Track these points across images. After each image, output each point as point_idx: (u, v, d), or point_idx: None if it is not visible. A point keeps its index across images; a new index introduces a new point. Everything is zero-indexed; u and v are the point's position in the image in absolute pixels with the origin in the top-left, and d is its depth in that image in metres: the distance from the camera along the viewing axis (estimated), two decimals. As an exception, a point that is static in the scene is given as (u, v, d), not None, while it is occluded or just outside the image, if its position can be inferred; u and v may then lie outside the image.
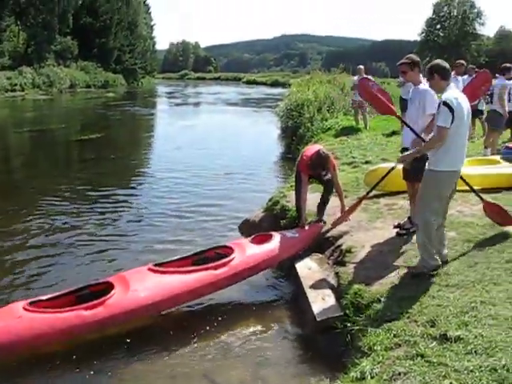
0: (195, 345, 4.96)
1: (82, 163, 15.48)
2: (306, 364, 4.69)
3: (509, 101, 9.93)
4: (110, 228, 8.54)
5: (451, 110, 4.64)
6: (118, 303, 4.85)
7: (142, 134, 23.20)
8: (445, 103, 4.66)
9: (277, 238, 6.25)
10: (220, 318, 5.47)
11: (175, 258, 5.89)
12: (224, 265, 5.61)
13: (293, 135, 15.72)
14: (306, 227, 6.62)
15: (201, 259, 5.91)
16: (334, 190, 6.97)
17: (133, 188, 11.62)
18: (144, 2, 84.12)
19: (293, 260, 6.25)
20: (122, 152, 17.41)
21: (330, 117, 16.13)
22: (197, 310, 5.64)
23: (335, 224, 6.53)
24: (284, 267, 6.57)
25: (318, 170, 6.70)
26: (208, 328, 5.27)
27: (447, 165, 4.84)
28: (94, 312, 4.72)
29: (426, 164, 5.03)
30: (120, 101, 40.48)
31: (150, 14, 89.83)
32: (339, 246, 6.13)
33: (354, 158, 10.38)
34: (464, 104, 4.83)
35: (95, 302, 4.79)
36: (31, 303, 4.74)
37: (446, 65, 5.01)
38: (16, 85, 43.56)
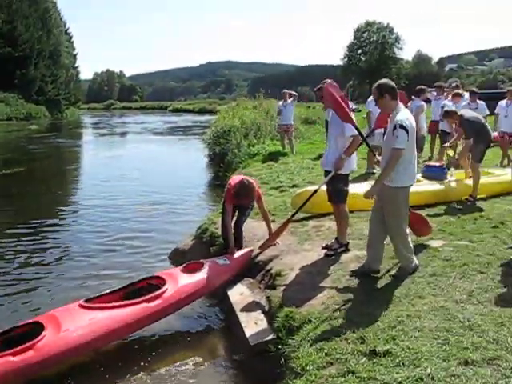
0: (130, 378, 4.89)
1: (3, 198, 14.94)
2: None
3: (441, 119, 10.42)
4: (36, 266, 8.24)
5: (406, 131, 4.95)
6: (50, 345, 4.61)
7: (67, 166, 22.67)
8: (401, 126, 4.96)
9: (208, 265, 6.25)
10: (154, 350, 5.42)
11: (106, 291, 5.74)
12: (157, 297, 5.52)
13: (220, 162, 15.80)
14: (236, 254, 6.66)
15: (132, 291, 5.81)
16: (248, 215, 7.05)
17: (59, 223, 11.24)
18: (66, 31, 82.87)
19: (225, 286, 6.28)
20: (47, 186, 16.95)
21: (257, 142, 16.35)
22: (130, 342, 5.55)
23: (263, 247, 6.62)
24: (216, 294, 6.58)
25: (243, 200, 6.76)
26: (143, 360, 5.21)
27: (408, 179, 5.27)
28: (23, 357, 4.43)
29: (372, 183, 5.34)
30: (44, 133, 39.51)
31: (72, 43, 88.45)
32: (269, 269, 6.21)
33: (281, 182, 10.57)
34: (413, 122, 5.20)
35: (24, 346, 4.50)
36: None
37: (393, 84, 5.23)
38: None
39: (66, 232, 10.45)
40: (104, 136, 38.64)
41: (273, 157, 14.15)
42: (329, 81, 6.23)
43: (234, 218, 7.03)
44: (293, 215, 6.78)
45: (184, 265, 6.35)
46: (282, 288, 5.60)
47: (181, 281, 5.88)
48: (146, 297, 5.49)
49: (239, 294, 5.92)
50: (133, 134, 40.01)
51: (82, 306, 5.21)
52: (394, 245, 5.50)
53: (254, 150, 15.24)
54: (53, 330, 4.76)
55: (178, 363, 5.19)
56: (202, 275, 6.08)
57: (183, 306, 5.86)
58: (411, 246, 5.50)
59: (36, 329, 4.81)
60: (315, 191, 6.38)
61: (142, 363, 5.18)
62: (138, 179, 16.63)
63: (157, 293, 5.56)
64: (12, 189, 15.79)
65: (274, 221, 7.53)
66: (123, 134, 40.35)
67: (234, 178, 7.06)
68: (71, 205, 13.47)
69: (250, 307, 5.54)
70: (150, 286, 5.89)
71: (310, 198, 6.45)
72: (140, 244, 9.15)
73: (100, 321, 5.03)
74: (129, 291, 5.83)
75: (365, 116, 12.03)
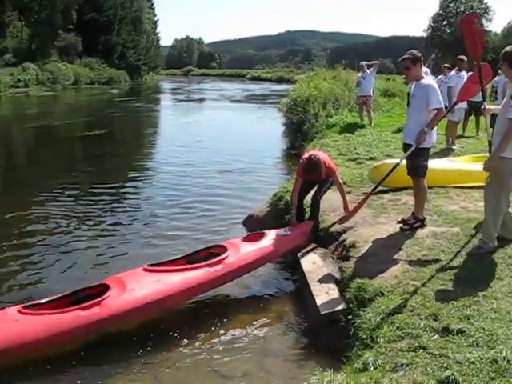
0: (200, 339, 5.02)
1: (84, 159, 15.55)
2: (310, 356, 4.74)
3: None
4: (110, 226, 8.46)
5: None
6: (115, 303, 4.81)
7: (145, 130, 23.26)
8: None
9: (269, 236, 6.31)
10: (225, 312, 5.53)
11: (169, 259, 5.88)
12: (218, 263, 5.61)
13: (297, 131, 15.73)
14: (297, 226, 6.68)
15: (195, 259, 5.90)
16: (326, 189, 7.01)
17: (134, 185, 11.59)
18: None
19: (297, 254, 6.32)
20: (126, 148, 17.51)
21: (335, 113, 16.15)
22: (202, 304, 5.68)
23: (342, 221, 6.55)
24: (288, 261, 6.65)
25: (311, 175, 6.71)
26: (213, 321, 5.33)
27: None
28: (90, 312, 4.66)
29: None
30: (124, 97, 40.59)
31: (153, 9, 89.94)
32: (343, 240, 6.18)
33: (358, 154, 10.43)
34: None
35: (91, 302, 4.75)
36: (26, 307, 4.67)
37: None
38: (19, 81, 43.61)
39: (141, 194, 10.75)
40: (181, 102, 39.26)
41: (350, 128, 13.95)
42: (414, 51, 6.06)
43: (314, 190, 7.01)
44: (373, 190, 6.66)
45: (246, 235, 6.45)
46: (355, 259, 5.59)
47: (242, 249, 5.95)
48: (208, 261, 5.59)
49: (312, 263, 5.94)
50: (210, 100, 40.42)
51: (146, 270, 5.37)
52: (485, 217, 5.35)
53: (332, 121, 15.06)
54: (118, 289, 4.95)
55: (246, 325, 5.28)
56: (262, 245, 6.14)
57: (243, 274, 5.91)
58: (499, 227, 5.33)
59: (103, 290, 5.00)
60: (396, 165, 6.24)
61: (213, 321, 5.31)
62: (214, 145, 16.81)
63: (218, 258, 5.66)
64: (93, 150, 16.38)
65: (349, 192, 7.47)
66: (201, 101, 40.83)
67: (307, 153, 7.03)
68: (147, 168, 13.89)
69: (322, 276, 5.56)
70: (212, 254, 5.97)
71: (390, 172, 6.30)
72: (214, 208, 9.29)
73: (163, 283, 5.16)
74: (191, 259, 5.91)
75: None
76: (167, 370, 4.50)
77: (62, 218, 8.73)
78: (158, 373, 4.47)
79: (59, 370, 4.43)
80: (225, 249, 5.91)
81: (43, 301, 4.89)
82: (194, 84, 70.85)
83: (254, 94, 49.00)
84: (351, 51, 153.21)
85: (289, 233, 6.49)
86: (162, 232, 8.08)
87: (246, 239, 6.28)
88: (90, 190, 10.75)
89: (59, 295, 5.06)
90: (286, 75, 77.63)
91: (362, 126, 14.27)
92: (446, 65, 13.46)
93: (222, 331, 5.15)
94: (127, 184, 11.57)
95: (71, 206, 9.45)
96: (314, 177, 6.71)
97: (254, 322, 5.35)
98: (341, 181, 7.06)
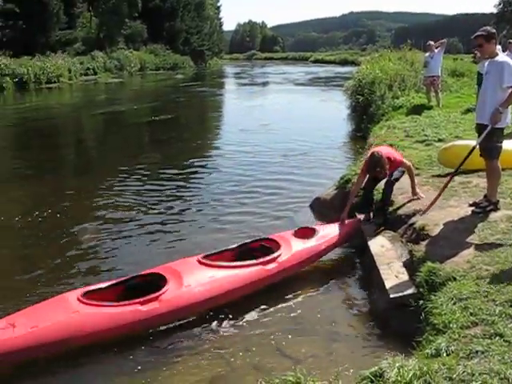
0: (268, 321, 5.04)
1: (150, 144, 15.89)
2: (379, 340, 4.69)
3: None
4: (172, 210, 8.53)
5: None
6: (173, 299, 4.80)
7: (209, 114, 23.48)
8: None
9: (320, 233, 6.22)
10: (293, 293, 5.54)
11: (222, 249, 5.84)
12: (272, 261, 5.57)
13: (363, 113, 15.48)
14: (346, 222, 6.58)
15: (246, 250, 5.90)
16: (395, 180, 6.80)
17: (199, 169, 11.69)
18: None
19: (365, 237, 6.23)
20: (190, 133, 17.71)
21: (401, 94, 15.76)
22: (271, 286, 5.64)
23: (425, 211, 6.30)
24: (356, 244, 6.58)
25: (376, 173, 6.52)
26: (280, 302, 5.35)
27: None
28: (149, 307, 4.67)
29: None
30: (189, 82, 41.04)
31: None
32: (412, 223, 6.03)
33: (426, 135, 10.14)
34: None
35: (150, 296, 4.73)
36: (85, 294, 4.68)
37: None
38: (89, 69, 44.84)
39: (205, 179, 10.79)
40: (245, 86, 39.37)
41: (417, 110, 13.58)
42: (488, 27, 5.80)
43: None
44: (453, 175, 6.29)
45: (295, 229, 6.34)
46: (426, 243, 5.44)
47: (294, 246, 5.88)
48: (263, 259, 5.53)
49: (380, 246, 5.84)
50: (274, 84, 40.31)
51: (201, 263, 5.32)
52: None
53: (398, 103, 14.69)
54: (175, 283, 4.93)
55: (314, 307, 5.28)
56: (313, 242, 6.07)
57: (293, 273, 5.80)
58: None
59: (156, 280, 5.01)
60: (473, 148, 5.95)
61: (280, 302, 5.36)
62: (278, 128, 16.77)
63: (272, 256, 5.60)
64: (159, 135, 16.69)
65: (418, 175, 7.29)
66: (264, 84, 40.77)
67: (370, 150, 6.89)
68: (211, 152, 14.02)
69: (391, 260, 5.46)
70: (262, 247, 5.94)
71: (469, 155, 5.97)
72: (279, 192, 9.27)
73: (219, 280, 5.14)
74: (243, 250, 5.90)
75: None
76: (235, 350, 4.53)
77: (127, 201, 8.97)
78: (228, 355, 4.49)
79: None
80: (277, 244, 5.84)
81: (98, 287, 4.94)
82: (257, 68, 70.82)
83: (317, 76, 48.49)
84: (417, 31, 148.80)
85: (338, 230, 6.40)
86: (224, 216, 8.10)
87: (297, 235, 6.17)
88: (155, 175, 10.93)
89: (113, 282, 5.10)
90: (350, 57, 76.48)
91: (430, 108, 13.86)
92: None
93: (290, 314, 5.16)
94: (191, 168, 11.70)
95: (136, 190, 9.66)
96: (378, 174, 6.55)
97: (321, 305, 5.34)
98: (409, 163, 6.87)
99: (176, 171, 11.18)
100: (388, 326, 4.84)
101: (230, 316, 5.05)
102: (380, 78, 16.32)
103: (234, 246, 5.98)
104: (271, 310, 5.22)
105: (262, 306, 5.28)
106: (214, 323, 4.94)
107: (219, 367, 4.31)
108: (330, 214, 7.49)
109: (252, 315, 5.11)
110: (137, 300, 4.69)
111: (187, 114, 22.89)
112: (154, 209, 8.58)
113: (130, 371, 4.28)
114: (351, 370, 4.00)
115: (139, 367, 4.33)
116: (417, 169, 7.63)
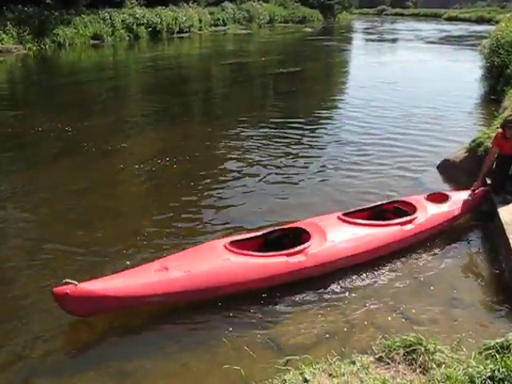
0: (388, 281, 4.99)
1: (276, 96, 15.91)
2: (503, 311, 4.51)
3: None
4: (298, 163, 8.53)
5: None
6: (318, 253, 4.80)
7: (336, 69, 23.04)
8: None
9: (453, 199, 6.03)
10: (415, 256, 5.43)
11: (357, 208, 5.77)
12: (409, 222, 5.45)
13: (499, 75, 14.47)
14: (478, 190, 6.30)
15: (379, 211, 5.80)
16: None
17: (322, 125, 11.47)
18: None
19: (495, 205, 5.93)
20: (316, 87, 17.60)
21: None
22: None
23: None
24: (481, 211, 6.32)
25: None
26: (401, 265, 5.27)
27: None
28: (296, 260, 4.67)
29: None
30: (316, 36, 40.36)
31: None
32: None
33: None
34: None
35: (297, 249, 4.74)
36: (231, 243, 4.74)
37: None
38: (218, 20, 45.41)
39: (328, 134, 10.58)
40: (373, 42, 38.21)
41: None
42: None
43: None
44: None
45: (428, 194, 6.14)
46: None
47: (429, 210, 5.71)
48: (401, 220, 5.43)
49: (511, 215, 5.53)
50: (403, 41, 38.74)
51: (341, 220, 5.28)
52: None
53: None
54: (319, 238, 4.92)
55: (436, 271, 5.16)
56: (446, 208, 5.88)
57: (425, 238, 5.64)
58: None
59: (297, 234, 5.03)
60: None
61: (401, 262, 5.30)
62: (405, 87, 16.24)
63: (409, 218, 5.49)
64: (285, 87, 16.69)
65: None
66: (393, 41, 39.30)
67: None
68: (336, 108, 13.75)
69: (523, 229, 5.16)
70: (396, 209, 5.82)
71: None
72: (404, 153, 8.98)
73: (361, 237, 5.10)
74: (377, 211, 5.81)
75: None
76: (358, 312, 4.48)
77: (250, 152, 9.13)
78: (347, 312, 4.48)
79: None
80: (412, 207, 5.73)
81: (241, 237, 5.00)
82: (386, 24, 68.23)
83: (450, 35, 45.84)
84: None
85: (470, 197, 6.18)
86: (349, 175, 7.96)
87: (431, 199, 6.00)
88: (279, 127, 10.92)
89: (256, 234, 5.16)
90: (487, 15, 71.31)
91: None
92: None
93: (411, 278, 5.06)
94: (314, 124, 11.53)
95: (261, 143, 9.68)
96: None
97: (444, 271, 5.19)
98: None
99: (299, 125, 11.09)
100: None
101: (351, 276, 5.01)
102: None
103: (368, 205, 5.92)
104: (392, 271, 5.15)
105: (384, 268, 5.20)
106: (336, 281, 4.91)
107: (338, 323, 4.33)
108: (459, 176, 7.25)
109: (373, 276, 5.05)
110: (284, 252, 4.72)
111: (314, 68, 22.60)
112: (278, 163, 8.58)
113: (252, 319, 4.37)
114: (473, 339, 3.87)
115: (260, 316, 4.40)
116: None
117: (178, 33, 36.81)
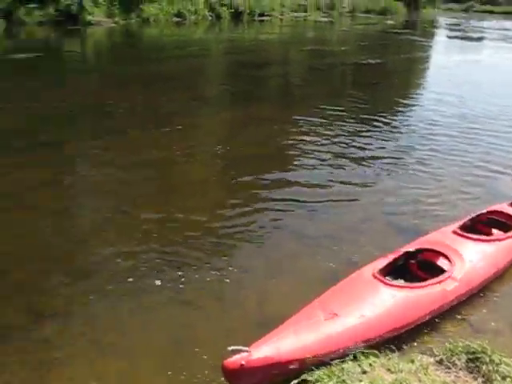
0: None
1: (355, 86, 15.66)
2: None
3: None
4: (376, 159, 8.24)
5: None
6: (465, 276, 4.35)
7: (418, 64, 22.46)
8: None
9: None
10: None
11: (464, 220, 5.15)
12: None
13: None
14: None
15: (476, 222, 5.23)
16: None
17: (400, 120, 11.17)
18: None
19: None
20: (397, 80, 17.36)
21: None
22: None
23: None
24: None
25: None
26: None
27: None
28: (451, 286, 4.21)
29: None
30: (399, 29, 39.45)
31: None
32: None
33: None
34: None
35: (446, 275, 4.26)
36: (380, 272, 4.19)
37: None
38: (300, 5, 45.17)
39: (409, 127, 10.39)
40: (458, 39, 36.98)
41: None
42: None
43: None
44: None
45: None
46: None
47: None
48: None
49: None
50: (490, 40, 37.28)
51: (459, 235, 4.83)
52: None
53: None
54: (458, 258, 4.47)
55: (503, 281, 4.92)
56: None
57: None
58: None
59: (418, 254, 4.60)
60: None
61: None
62: (489, 88, 15.62)
63: None
64: (364, 78, 16.48)
65: None
66: (479, 39, 37.88)
67: None
68: (416, 104, 13.34)
69: None
70: (493, 220, 5.27)
71: None
72: (488, 159, 8.43)
73: (492, 253, 4.71)
74: (471, 224, 5.20)
75: None
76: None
77: (326, 140, 9.01)
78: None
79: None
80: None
81: (383, 263, 4.38)
82: (473, 21, 65.73)
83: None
84: None
85: None
86: (438, 181, 7.43)
87: None
88: (355, 117, 10.74)
89: (396, 254, 4.52)
90: None
91: None
92: None
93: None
94: (393, 118, 11.23)
95: (336, 133, 9.51)
96: None
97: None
98: None
99: (376, 118, 10.77)
100: None
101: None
102: None
103: (466, 218, 5.27)
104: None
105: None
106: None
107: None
108: None
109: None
110: (436, 279, 4.22)
111: (395, 61, 22.09)
112: (351, 154, 8.38)
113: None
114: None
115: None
116: None
117: (259, 15, 36.89)
